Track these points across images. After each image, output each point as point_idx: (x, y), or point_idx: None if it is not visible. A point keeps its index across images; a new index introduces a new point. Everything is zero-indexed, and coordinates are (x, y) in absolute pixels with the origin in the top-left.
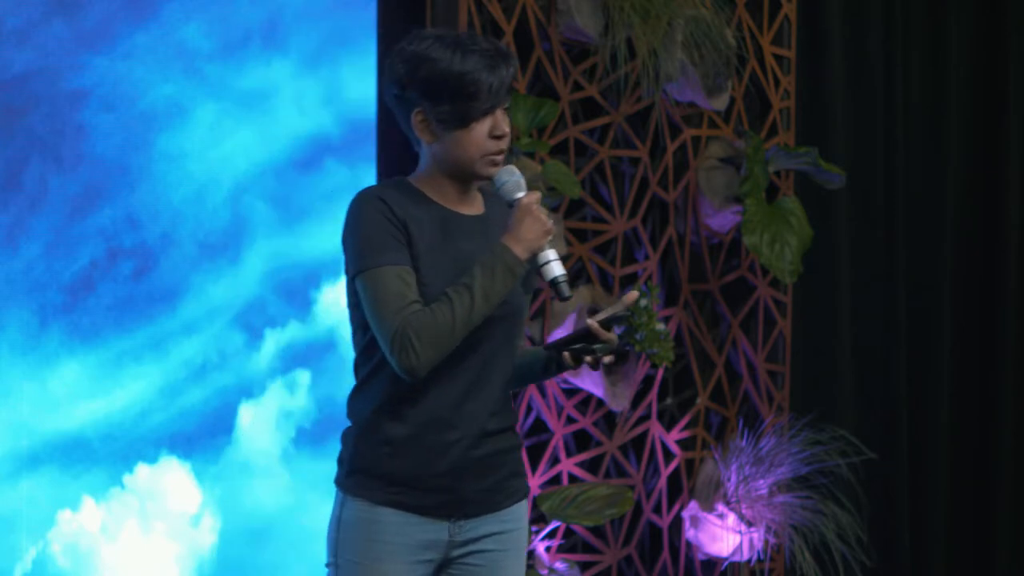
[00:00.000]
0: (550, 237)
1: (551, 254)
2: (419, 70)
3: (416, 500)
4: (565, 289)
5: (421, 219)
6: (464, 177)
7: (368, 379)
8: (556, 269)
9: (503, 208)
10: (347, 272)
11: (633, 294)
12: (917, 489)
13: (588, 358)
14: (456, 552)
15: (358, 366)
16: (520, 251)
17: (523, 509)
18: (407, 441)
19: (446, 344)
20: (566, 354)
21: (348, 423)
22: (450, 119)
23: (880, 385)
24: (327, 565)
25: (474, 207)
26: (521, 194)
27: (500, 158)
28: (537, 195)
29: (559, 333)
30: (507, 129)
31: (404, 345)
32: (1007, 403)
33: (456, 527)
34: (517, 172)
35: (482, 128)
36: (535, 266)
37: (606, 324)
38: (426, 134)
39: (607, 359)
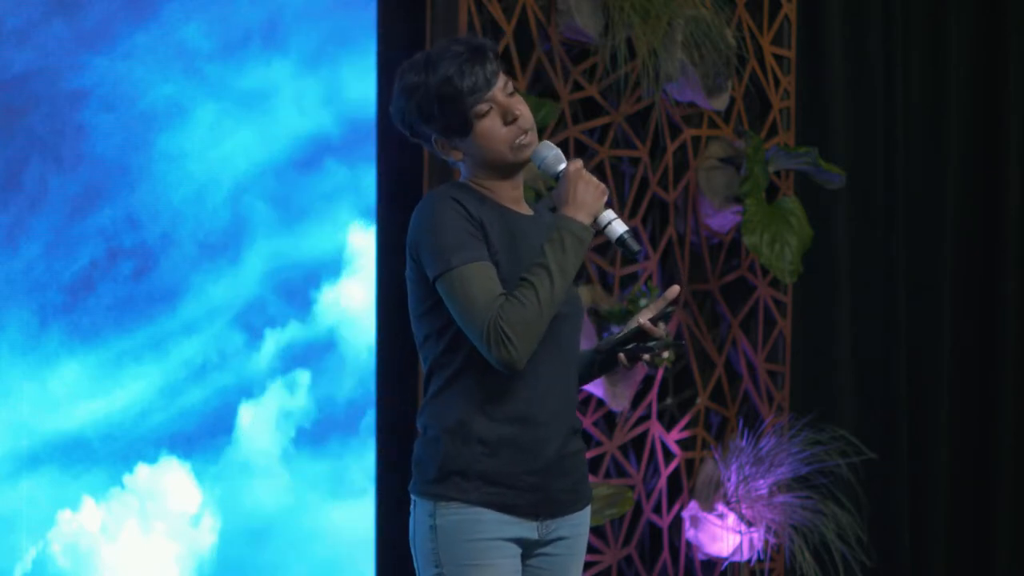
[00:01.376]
0: (606, 197)
1: (610, 214)
2: (407, 103)
3: (511, 499)
4: (633, 244)
5: (492, 219)
6: (506, 171)
7: (450, 383)
8: (620, 227)
9: (543, 207)
10: (428, 274)
11: (675, 288)
12: (917, 489)
13: (645, 356)
14: (535, 552)
15: (434, 372)
16: (583, 216)
17: (588, 514)
18: (501, 441)
19: (537, 329)
20: (621, 355)
21: (421, 430)
22: (454, 130)
23: (880, 385)
24: None
25: (525, 209)
26: (563, 164)
27: (527, 138)
28: (580, 161)
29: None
30: (517, 112)
31: (499, 339)
32: (1007, 403)
33: (543, 527)
34: (554, 146)
35: (490, 122)
36: (598, 229)
37: (654, 321)
38: (450, 152)
39: (665, 355)
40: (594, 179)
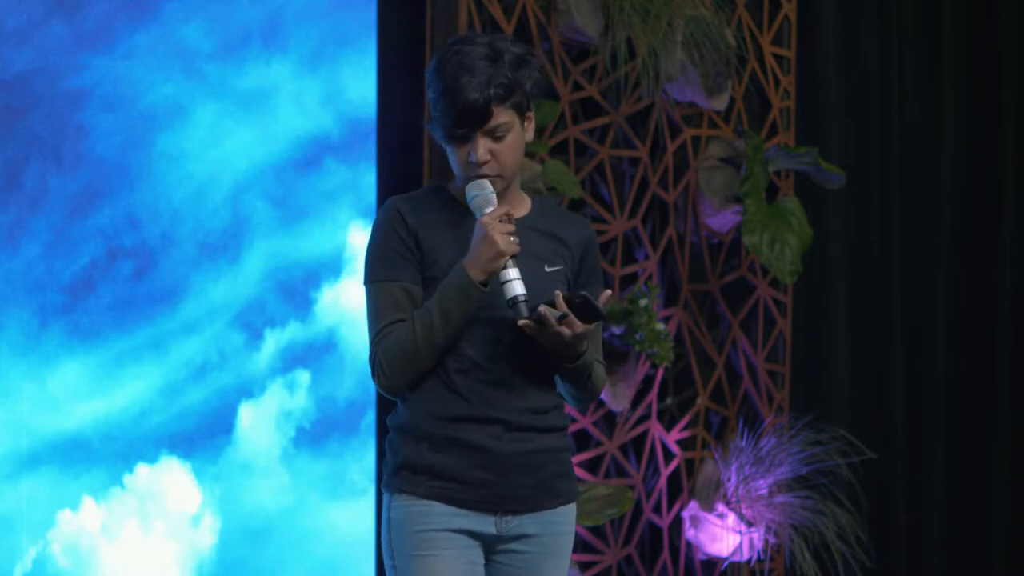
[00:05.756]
0: (505, 259)
1: (511, 273)
2: (428, 78)
3: (459, 493)
4: (523, 309)
5: (446, 226)
6: None
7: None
8: (515, 288)
9: (552, 211)
10: None
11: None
12: (915, 489)
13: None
14: (500, 547)
15: None
16: (475, 272)
17: (569, 514)
18: (447, 439)
19: (412, 365)
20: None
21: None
22: (440, 137)
23: (879, 385)
24: (387, 570)
25: (520, 209)
26: (488, 210)
27: (484, 169)
28: (499, 212)
29: None
30: (481, 157)
31: (375, 367)
32: (1005, 403)
33: (502, 522)
34: (488, 187)
35: (459, 150)
36: (497, 285)
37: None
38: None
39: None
40: (499, 239)
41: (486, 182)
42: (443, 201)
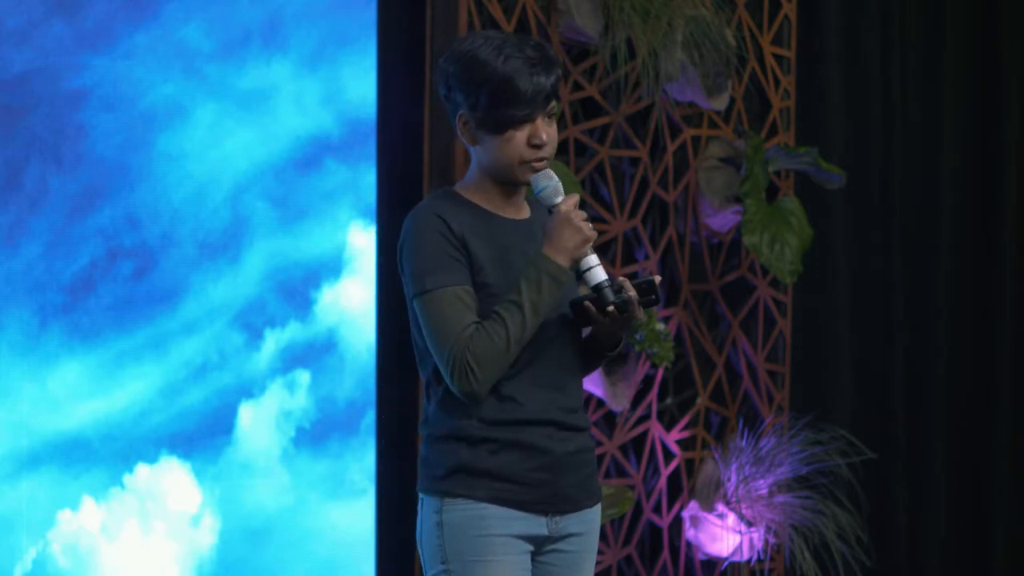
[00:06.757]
0: (590, 244)
1: (593, 259)
2: (462, 71)
3: (519, 495)
4: (609, 295)
5: (480, 230)
6: (505, 181)
7: (449, 392)
8: (599, 275)
9: (545, 212)
10: (406, 293)
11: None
12: (915, 489)
13: (610, 300)
14: (546, 548)
15: (432, 382)
16: (562, 260)
17: (599, 511)
18: (505, 441)
19: (503, 364)
20: (586, 304)
21: (425, 436)
22: (488, 124)
23: (879, 385)
24: (435, 575)
25: (521, 212)
26: (559, 199)
27: (540, 165)
28: (575, 200)
29: None
30: (546, 138)
31: (464, 370)
32: (1005, 403)
33: (553, 522)
34: (555, 177)
35: (520, 135)
36: (578, 272)
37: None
38: (468, 137)
39: (612, 298)
40: (582, 225)
41: (551, 172)
42: (465, 205)
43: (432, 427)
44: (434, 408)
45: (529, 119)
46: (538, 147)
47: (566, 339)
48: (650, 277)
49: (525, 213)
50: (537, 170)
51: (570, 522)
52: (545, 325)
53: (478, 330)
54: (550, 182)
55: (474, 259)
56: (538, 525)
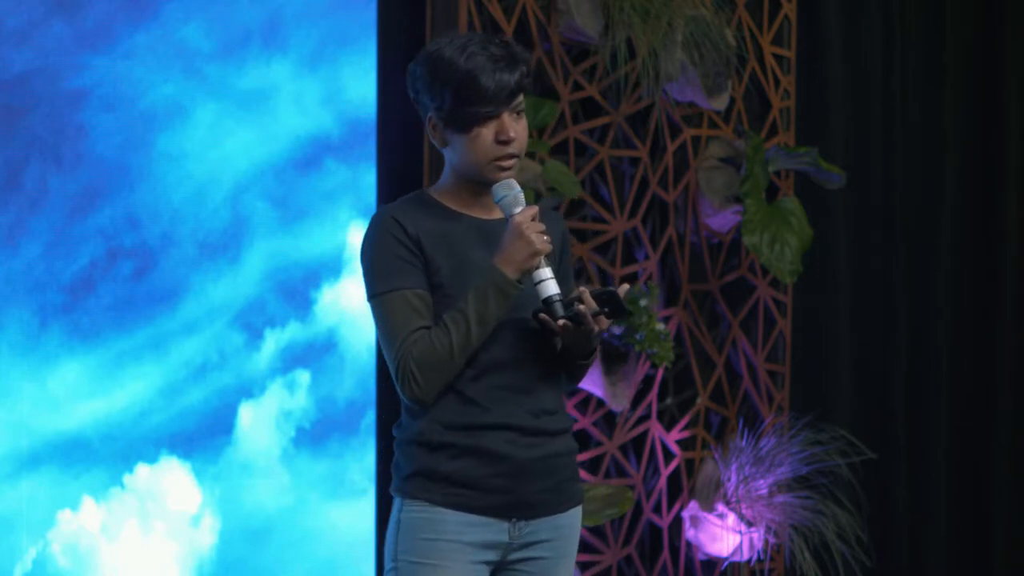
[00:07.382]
0: (540, 257)
1: (544, 272)
2: (427, 72)
3: (475, 500)
4: (559, 309)
5: (440, 231)
6: (476, 181)
7: None
8: (549, 288)
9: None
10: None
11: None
12: (915, 489)
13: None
14: (513, 556)
15: None
16: (510, 272)
17: (578, 515)
18: (465, 447)
19: (447, 371)
20: (540, 316)
21: (396, 438)
22: (455, 123)
23: (879, 385)
24: (387, 572)
25: (492, 212)
26: (517, 209)
27: (509, 163)
28: (532, 211)
29: None
30: (513, 135)
31: (407, 377)
32: (1006, 402)
33: (515, 528)
34: (516, 187)
35: (487, 132)
36: (530, 285)
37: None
38: (438, 139)
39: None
40: (534, 238)
41: (513, 182)
42: (431, 207)
43: (400, 430)
44: (403, 411)
45: (494, 115)
46: (506, 143)
47: (536, 342)
48: (611, 288)
49: (496, 214)
50: (506, 168)
51: (539, 527)
52: (513, 328)
53: (422, 337)
54: (510, 191)
55: (430, 261)
56: (499, 531)
